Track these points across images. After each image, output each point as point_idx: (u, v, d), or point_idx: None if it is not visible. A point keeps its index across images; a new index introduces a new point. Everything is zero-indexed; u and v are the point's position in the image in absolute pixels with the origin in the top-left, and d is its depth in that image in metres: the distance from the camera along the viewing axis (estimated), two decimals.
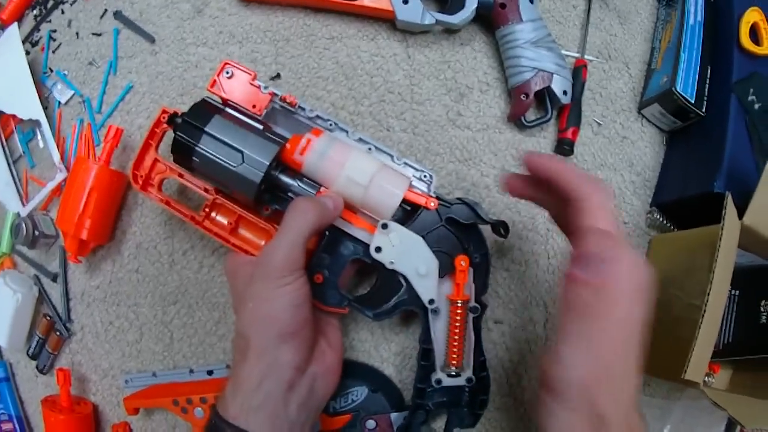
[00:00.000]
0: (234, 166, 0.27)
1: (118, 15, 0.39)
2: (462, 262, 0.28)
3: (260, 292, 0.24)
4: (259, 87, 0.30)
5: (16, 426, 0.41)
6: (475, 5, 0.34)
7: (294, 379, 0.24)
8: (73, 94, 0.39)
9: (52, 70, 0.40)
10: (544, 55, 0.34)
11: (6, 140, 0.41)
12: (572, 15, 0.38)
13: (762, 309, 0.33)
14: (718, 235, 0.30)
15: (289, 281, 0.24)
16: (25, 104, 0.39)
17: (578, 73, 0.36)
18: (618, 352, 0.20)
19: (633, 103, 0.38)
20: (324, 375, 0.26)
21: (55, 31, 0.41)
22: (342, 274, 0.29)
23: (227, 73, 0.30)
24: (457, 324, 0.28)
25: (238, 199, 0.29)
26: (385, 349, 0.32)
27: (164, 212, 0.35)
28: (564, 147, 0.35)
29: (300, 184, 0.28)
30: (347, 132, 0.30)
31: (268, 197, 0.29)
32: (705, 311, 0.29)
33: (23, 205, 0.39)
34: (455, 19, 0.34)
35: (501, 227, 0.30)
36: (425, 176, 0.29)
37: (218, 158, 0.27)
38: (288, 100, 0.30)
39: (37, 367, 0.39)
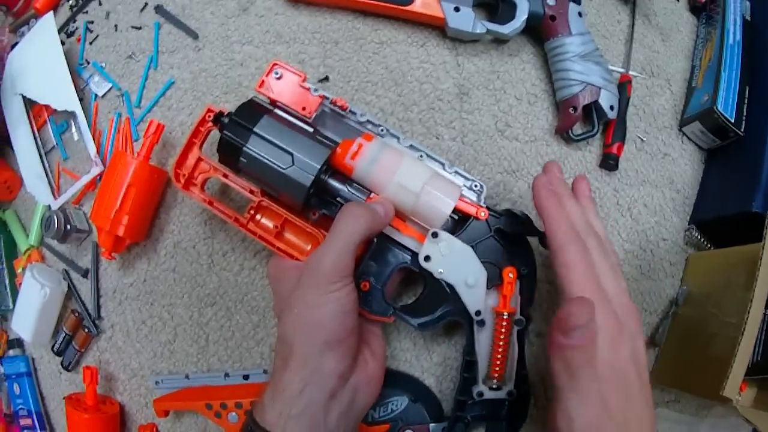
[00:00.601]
0: (283, 168, 0.26)
1: (159, 9, 0.38)
2: (510, 273, 0.27)
3: (307, 298, 0.24)
4: (309, 89, 0.29)
5: (35, 421, 0.40)
6: (526, 16, 0.34)
7: (336, 388, 0.24)
8: (111, 87, 0.38)
9: (88, 62, 0.39)
10: (592, 69, 0.34)
11: (38, 131, 0.41)
12: (616, 30, 0.38)
13: None
14: (756, 255, 0.31)
15: (338, 287, 0.24)
16: (60, 95, 0.38)
17: (623, 88, 0.36)
18: (615, 390, 0.23)
19: (674, 120, 0.38)
20: (366, 384, 0.26)
21: (92, 22, 0.40)
22: (389, 282, 0.28)
23: (276, 73, 0.29)
24: (502, 337, 0.27)
25: (285, 202, 0.28)
26: (427, 360, 0.32)
27: (204, 212, 0.34)
28: (609, 162, 0.35)
29: (349, 189, 0.28)
30: (398, 138, 0.29)
31: (316, 201, 0.28)
32: (744, 331, 0.29)
33: (55, 198, 0.38)
34: (506, 29, 0.34)
35: None
36: (476, 186, 0.29)
37: (267, 159, 0.26)
38: (339, 104, 0.29)
39: (61, 364, 0.38)
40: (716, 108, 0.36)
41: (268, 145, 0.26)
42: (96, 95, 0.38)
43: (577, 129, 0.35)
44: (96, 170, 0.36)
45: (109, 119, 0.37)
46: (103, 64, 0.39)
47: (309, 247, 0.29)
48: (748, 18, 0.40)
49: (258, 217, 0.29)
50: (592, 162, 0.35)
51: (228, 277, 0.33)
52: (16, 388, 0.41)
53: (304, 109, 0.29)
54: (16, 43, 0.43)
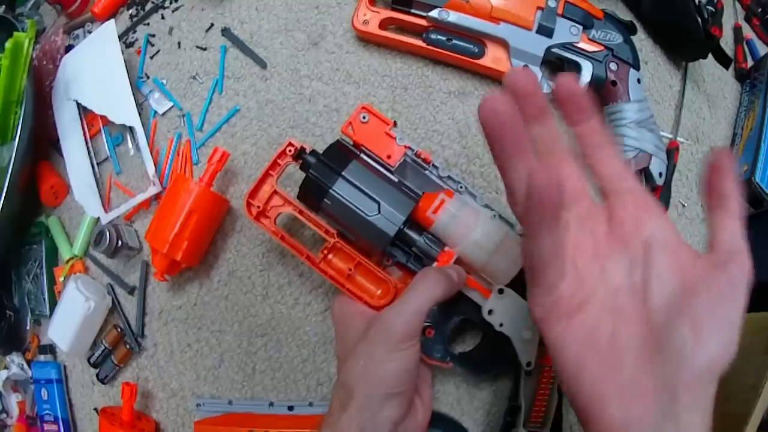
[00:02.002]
0: (369, 216, 0.27)
1: (226, 32, 0.38)
2: None
3: (375, 353, 0.25)
4: (394, 137, 0.30)
5: (61, 428, 0.40)
6: (589, 79, 0.35)
7: None
8: (172, 106, 0.38)
9: (148, 77, 0.39)
10: (646, 136, 0.35)
11: (91, 139, 0.40)
12: (668, 95, 0.39)
13: None
14: None
15: (406, 347, 0.25)
16: (119, 108, 0.38)
17: (671, 154, 0.37)
18: None
19: None
20: (413, 430, 0.27)
21: (153, 35, 0.40)
22: (450, 329, 0.30)
23: (363, 117, 0.30)
24: (548, 386, 0.29)
25: (360, 246, 0.29)
26: (467, 403, 0.33)
27: (263, 244, 0.34)
28: None
29: (426, 240, 0.28)
30: (475, 197, 0.30)
31: (390, 248, 0.29)
32: (763, 391, 0.32)
33: (105, 211, 0.38)
34: None
35: None
36: None
37: (353, 205, 0.27)
38: (422, 157, 0.30)
39: (97, 376, 0.38)
40: (754, 179, 0.38)
41: (355, 190, 0.27)
42: (155, 112, 0.38)
43: None
44: (153, 190, 0.36)
45: (168, 139, 0.37)
46: (164, 81, 0.38)
47: (379, 292, 0.29)
48: None
49: (330, 256, 0.30)
50: None
51: (282, 310, 0.34)
52: (44, 393, 0.41)
53: (389, 157, 0.30)
54: (71, 46, 0.43)
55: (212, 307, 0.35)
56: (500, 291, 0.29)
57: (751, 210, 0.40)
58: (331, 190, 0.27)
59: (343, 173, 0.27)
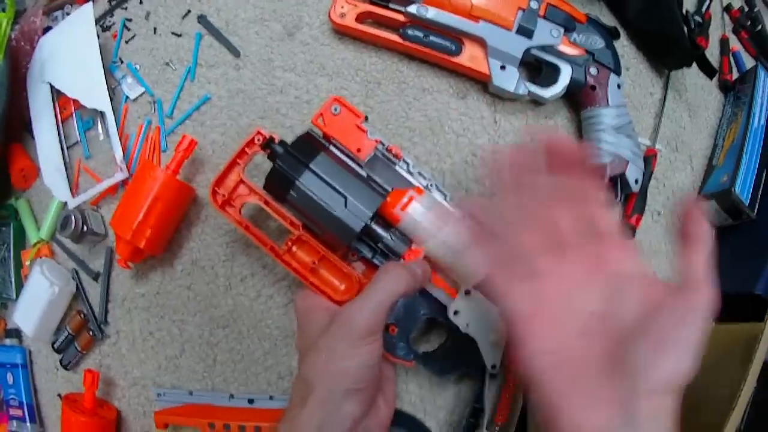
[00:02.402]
0: (334, 210, 0.26)
1: (202, 19, 0.37)
2: None
3: (337, 348, 0.24)
4: (365, 131, 0.29)
5: (26, 413, 0.39)
6: (567, 83, 0.34)
7: (351, 430, 0.24)
8: (144, 92, 0.37)
9: (122, 61, 0.39)
10: (624, 142, 0.35)
11: (62, 123, 0.40)
12: (648, 103, 0.39)
13: None
14: (752, 333, 0.33)
15: (368, 342, 0.24)
16: (91, 92, 0.37)
17: (648, 161, 0.37)
18: None
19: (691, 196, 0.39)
20: (376, 427, 0.26)
21: (130, 20, 0.39)
22: (414, 328, 0.29)
23: (335, 109, 0.29)
24: (512, 389, 0.29)
25: (326, 240, 0.29)
26: (431, 403, 0.33)
27: (227, 234, 0.34)
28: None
29: (392, 237, 0.28)
30: (446, 195, 0.30)
31: (356, 244, 0.28)
32: (737, 402, 0.32)
33: (72, 195, 0.38)
34: (547, 93, 0.34)
35: None
36: None
37: (319, 198, 0.26)
38: (393, 152, 0.30)
39: (61, 362, 0.38)
40: (734, 191, 0.37)
41: (322, 183, 0.26)
42: (127, 97, 0.37)
43: None
44: (120, 176, 0.36)
45: (138, 125, 0.37)
46: (138, 67, 0.38)
47: (342, 287, 0.29)
48: None
49: (295, 249, 0.29)
50: None
51: (244, 302, 0.33)
52: (10, 378, 0.40)
53: (359, 150, 0.29)
54: (49, 28, 0.42)
55: (174, 296, 0.34)
56: (467, 292, 0.28)
57: (730, 221, 0.40)
58: (297, 182, 0.26)
59: (310, 165, 0.27)
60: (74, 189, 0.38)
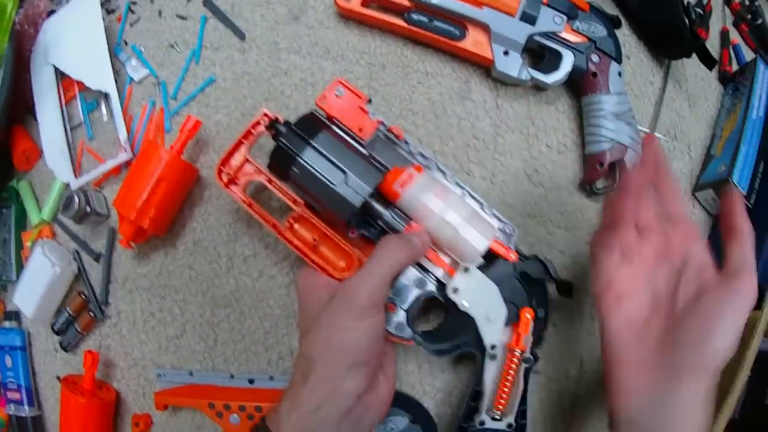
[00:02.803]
0: (335, 185, 0.27)
1: (207, 2, 0.37)
2: (527, 314, 0.29)
3: (339, 323, 0.24)
4: (367, 112, 0.30)
5: (24, 396, 0.39)
6: (570, 69, 0.35)
7: (352, 407, 0.24)
8: (148, 74, 0.37)
9: (126, 44, 0.39)
10: (623, 128, 0.35)
11: (66, 105, 0.40)
12: (648, 91, 0.39)
13: None
14: (749, 322, 0.33)
15: (371, 315, 0.24)
16: (95, 74, 0.37)
17: None
18: None
19: (689, 184, 0.40)
20: (377, 405, 0.26)
21: (135, 3, 0.39)
22: (413, 306, 0.29)
23: (339, 91, 0.30)
24: (512, 372, 0.29)
25: (326, 217, 0.29)
26: (429, 384, 0.33)
27: (230, 214, 0.34)
28: None
29: (392, 214, 0.28)
30: (445, 174, 0.30)
31: (356, 221, 0.29)
32: (731, 391, 0.32)
33: (75, 176, 0.38)
34: (549, 79, 0.34)
35: (567, 288, 0.31)
36: (509, 229, 0.30)
37: (320, 174, 0.27)
38: (394, 132, 0.30)
39: (60, 344, 0.38)
40: (732, 179, 0.38)
41: (323, 159, 0.27)
42: (132, 79, 0.37)
43: (600, 183, 0.36)
44: (124, 156, 0.36)
45: (142, 106, 0.37)
46: (142, 49, 0.38)
47: (343, 264, 0.29)
48: None
49: (296, 226, 0.29)
50: None
51: (246, 282, 0.33)
52: (8, 361, 0.40)
53: (360, 130, 0.29)
54: (53, 11, 0.42)
55: (176, 276, 0.34)
56: (466, 269, 0.29)
57: None
58: (299, 158, 0.27)
59: (312, 142, 0.27)
60: (77, 170, 0.38)
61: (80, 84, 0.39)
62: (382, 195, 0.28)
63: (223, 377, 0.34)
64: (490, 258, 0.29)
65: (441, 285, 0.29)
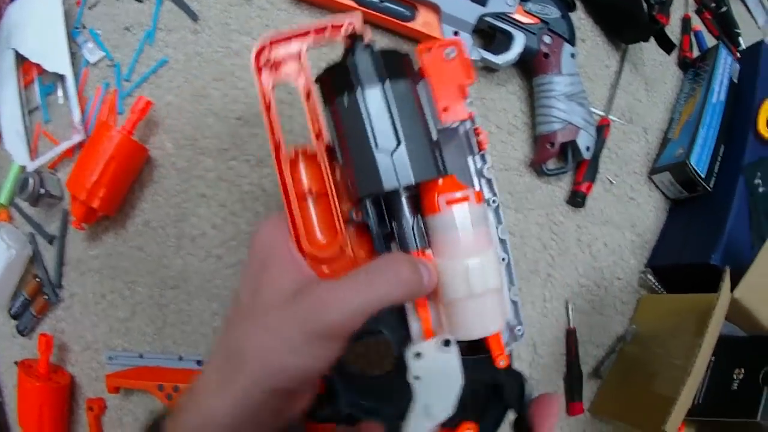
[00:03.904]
0: (377, 150, 0.20)
1: None
2: (469, 429, 0.21)
3: (289, 336, 0.18)
4: (465, 96, 0.23)
5: None
6: (521, 50, 0.34)
7: (273, 423, 0.19)
8: (103, 56, 0.37)
9: (84, 27, 0.38)
10: (575, 109, 0.34)
11: (24, 89, 0.39)
12: (603, 74, 0.39)
13: (735, 377, 0.34)
14: (707, 304, 0.32)
15: (328, 347, 0.18)
16: (53, 56, 0.36)
17: (601, 131, 0.37)
18: None
19: (645, 167, 0.39)
20: (299, 414, 0.20)
21: None
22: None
23: (449, 53, 0.22)
24: None
25: (339, 179, 0.21)
26: None
27: (179, 194, 0.33)
28: (577, 199, 0.36)
29: (414, 225, 0.21)
30: (500, 224, 0.23)
31: (368, 204, 0.21)
32: (691, 373, 0.31)
33: (31, 159, 0.37)
34: (499, 59, 0.34)
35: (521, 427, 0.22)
36: (519, 331, 0.23)
37: (370, 125, 0.20)
38: (479, 138, 0.23)
39: (17, 328, 0.37)
40: (689, 162, 0.37)
41: (384, 111, 0.20)
42: (87, 62, 0.37)
43: (551, 164, 0.35)
44: (77, 138, 0.35)
45: (97, 88, 0.36)
46: (99, 32, 0.37)
47: (324, 241, 0.21)
48: (735, 80, 0.42)
49: (301, 164, 0.21)
50: (560, 196, 0.35)
51: (193, 263, 0.33)
52: None
53: (445, 110, 0.22)
54: None
55: (126, 257, 0.34)
56: (446, 342, 0.20)
57: (685, 193, 0.39)
58: (359, 90, 0.20)
59: (387, 82, 0.20)
60: (33, 153, 0.38)
61: (38, 67, 0.38)
62: (419, 197, 0.21)
63: (172, 359, 0.33)
64: (475, 347, 0.21)
65: (406, 338, 0.21)
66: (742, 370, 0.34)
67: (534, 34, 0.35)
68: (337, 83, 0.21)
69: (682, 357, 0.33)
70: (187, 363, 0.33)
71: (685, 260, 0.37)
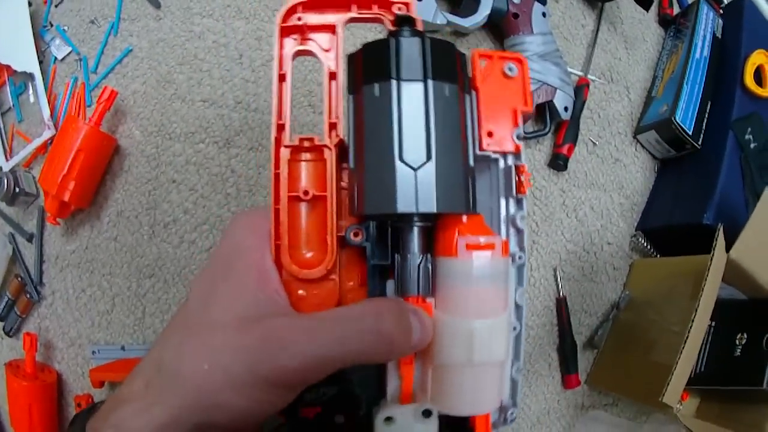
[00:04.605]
0: (399, 160, 0.15)
1: None
2: None
3: (233, 373, 0.15)
4: (517, 125, 0.18)
5: None
6: (488, 12, 0.32)
7: None
8: (70, 51, 0.36)
9: (52, 24, 0.38)
10: (550, 69, 0.33)
11: None
12: (580, 34, 0.37)
13: (737, 342, 0.32)
14: (702, 266, 0.30)
15: (279, 395, 0.15)
16: (21, 56, 0.36)
17: (580, 91, 0.35)
18: None
19: (629, 127, 0.37)
20: None
21: None
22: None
23: (510, 69, 0.18)
24: None
25: (341, 185, 0.18)
26: None
27: (149, 182, 0.32)
28: (558, 162, 0.34)
29: (420, 264, 0.17)
30: (520, 286, 0.19)
31: (371, 226, 0.17)
32: (687, 339, 0.29)
33: (6, 159, 0.37)
34: (467, 22, 0.32)
35: None
36: (511, 414, 0.19)
37: (397, 127, 0.15)
38: (522, 177, 0.18)
39: (3, 329, 0.37)
40: (674, 119, 0.35)
41: (421, 114, 0.16)
42: (56, 58, 0.36)
43: (528, 127, 0.34)
44: (48, 134, 0.35)
45: (66, 83, 0.36)
46: (66, 28, 0.37)
47: (309, 257, 0.17)
48: (719, 36, 0.40)
49: (303, 159, 0.17)
50: (541, 161, 0.34)
51: (167, 250, 0.32)
52: None
53: (489, 135, 0.18)
54: None
55: (102, 249, 0.33)
56: (426, 413, 0.16)
57: (674, 152, 0.37)
58: (395, 82, 0.15)
59: (429, 80, 0.16)
60: (8, 153, 0.37)
61: (9, 69, 0.38)
62: (434, 232, 0.17)
63: None
64: (455, 422, 0.17)
65: (377, 395, 0.17)
66: (745, 335, 0.32)
67: None
68: (371, 66, 0.16)
69: (679, 323, 0.31)
70: None
71: (676, 221, 0.35)
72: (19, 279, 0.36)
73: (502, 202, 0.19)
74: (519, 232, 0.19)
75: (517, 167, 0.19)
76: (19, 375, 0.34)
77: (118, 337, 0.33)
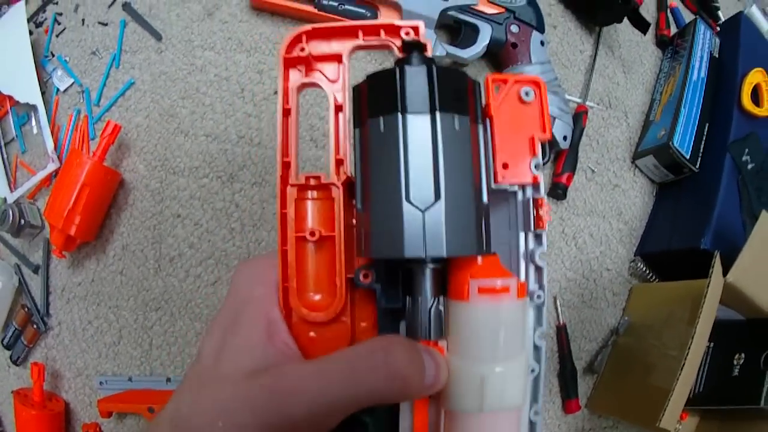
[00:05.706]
0: (406, 200, 0.14)
1: (126, 7, 0.36)
2: None
3: (244, 429, 0.14)
4: (535, 154, 0.17)
5: None
6: (487, 42, 0.33)
7: None
8: (73, 83, 0.36)
9: (53, 55, 0.37)
10: (549, 99, 0.33)
11: (0, 120, 0.39)
12: (578, 60, 0.37)
13: (735, 362, 0.32)
14: (699, 290, 0.30)
15: None
16: (23, 86, 0.36)
17: (579, 118, 0.35)
18: None
19: (628, 152, 0.37)
20: None
21: (61, 14, 0.38)
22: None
23: (527, 93, 0.17)
24: None
25: (349, 224, 0.17)
26: None
27: (154, 216, 0.32)
28: (557, 191, 0.34)
29: (432, 307, 0.16)
30: (539, 326, 0.18)
31: (381, 267, 0.16)
32: (684, 363, 0.29)
33: (11, 191, 0.37)
34: (465, 53, 0.32)
35: None
36: None
37: (404, 166, 0.14)
38: (540, 210, 0.17)
39: (10, 358, 0.37)
40: (672, 144, 0.35)
41: (428, 151, 0.14)
42: (58, 89, 0.36)
43: None
44: (52, 166, 0.35)
45: (69, 115, 0.35)
46: (67, 59, 0.37)
47: (318, 299, 0.17)
48: (716, 55, 0.40)
49: (309, 198, 0.17)
50: None
51: (173, 283, 0.32)
52: None
53: (505, 167, 0.17)
54: None
55: (108, 282, 0.33)
56: None
57: (672, 176, 0.38)
58: (401, 116, 0.14)
59: (437, 112, 0.14)
60: (12, 184, 0.37)
61: (11, 99, 0.38)
62: (446, 275, 0.16)
63: (160, 381, 0.32)
64: None
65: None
66: (743, 355, 0.33)
67: (500, 24, 0.33)
68: (375, 98, 0.15)
69: (677, 348, 0.31)
70: (175, 384, 0.32)
71: (674, 246, 0.35)
72: (26, 309, 0.36)
73: (521, 236, 0.18)
74: (538, 269, 0.18)
75: (535, 200, 0.17)
76: (28, 404, 0.34)
77: (126, 368, 0.33)
